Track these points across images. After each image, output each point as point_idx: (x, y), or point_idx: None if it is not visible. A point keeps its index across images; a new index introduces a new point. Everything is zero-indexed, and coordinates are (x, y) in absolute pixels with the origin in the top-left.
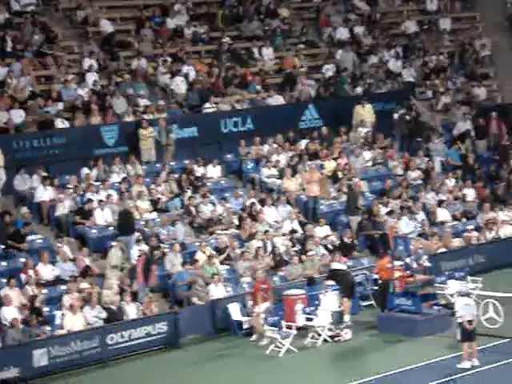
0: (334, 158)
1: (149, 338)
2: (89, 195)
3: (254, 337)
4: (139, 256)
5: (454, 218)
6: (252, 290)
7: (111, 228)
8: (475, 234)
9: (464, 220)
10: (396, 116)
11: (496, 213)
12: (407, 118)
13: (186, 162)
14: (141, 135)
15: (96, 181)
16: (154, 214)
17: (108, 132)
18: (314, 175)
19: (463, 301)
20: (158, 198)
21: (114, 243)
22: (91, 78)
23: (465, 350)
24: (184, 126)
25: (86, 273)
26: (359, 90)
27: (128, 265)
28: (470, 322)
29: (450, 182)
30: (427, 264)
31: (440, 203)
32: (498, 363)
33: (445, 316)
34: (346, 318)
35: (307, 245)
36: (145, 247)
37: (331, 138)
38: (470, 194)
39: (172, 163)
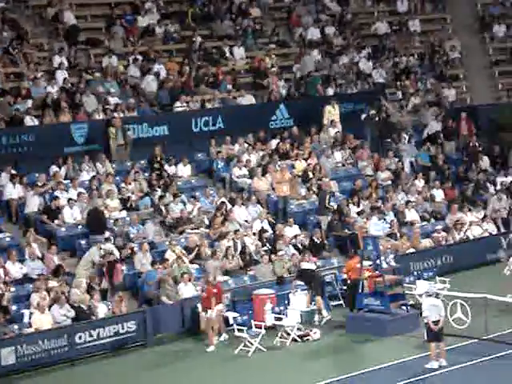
0: (304, 158)
1: (117, 337)
2: (57, 193)
3: (210, 348)
4: (105, 255)
5: (423, 218)
6: (204, 294)
7: (80, 227)
8: (443, 234)
9: (432, 221)
10: (363, 116)
11: (464, 214)
12: (376, 118)
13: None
14: (111, 133)
15: (65, 179)
16: (124, 213)
17: (78, 130)
18: (284, 175)
19: (430, 301)
20: (128, 197)
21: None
22: (61, 75)
23: (432, 350)
24: (154, 125)
25: (57, 271)
26: (330, 90)
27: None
28: (435, 322)
29: (420, 183)
30: (394, 264)
31: (409, 204)
32: (466, 364)
33: (413, 316)
34: (324, 312)
35: (277, 244)
36: (111, 246)
37: (302, 138)
38: (439, 194)
39: (142, 162)
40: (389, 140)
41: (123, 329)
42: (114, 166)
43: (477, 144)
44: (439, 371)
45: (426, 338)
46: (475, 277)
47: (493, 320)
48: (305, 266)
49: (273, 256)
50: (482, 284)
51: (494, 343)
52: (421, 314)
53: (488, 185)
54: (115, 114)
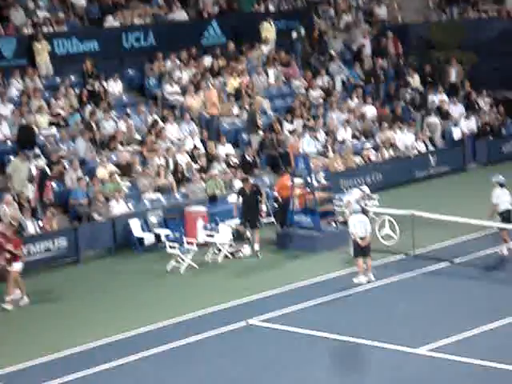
0: (236, 76)
1: (48, 254)
2: None
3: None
4: (36, 171)
5: (354, 136)
6: None
7: (10, 142)
8: (373, 152)
9: (363, 139)
10: (295, 34)
11: (394, 132)
12: (307, 36)
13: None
14: (35, 48)
15: None
16: (54, 129)
17: (6, 44)
18: (216, 93)
19: (357, 218)
20: (58, 113)
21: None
22: None
23: (360, 265)
24: (84, 40)
25: None
26: (263, 7)
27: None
28: (362, 238)
29: (351, 101)
30: (325, 182)
31: (340, 122)
32: (393, 279)
33: (342, 233)
34: (256, 246)
35: (209, 162)
36: (42, 162)
37: (234, 56)
38: (370, 112)
39: (72, 77)
40: (321, 58)
41: (54, 245)
42: (43, 81)
43: (407, 63)
44: (367, 286)
45: (352, 254)
46: (403, 194)
47: (420, 236)
48: (238, 184)
49: (204, 175)
50: (410, 201)
51: (421, 258)
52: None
53: (419, 103)
54: (44, 29)
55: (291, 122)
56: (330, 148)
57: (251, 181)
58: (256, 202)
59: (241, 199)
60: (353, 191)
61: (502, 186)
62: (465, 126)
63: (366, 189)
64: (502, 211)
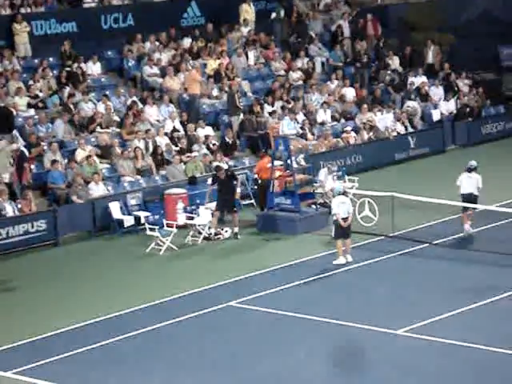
0: (216, 58)
1: (27, 236)
2: None
3: None
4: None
5: (333, 118)
6: None
7: None
8: (353, 134)
9: (343, 121)
10: (274, 15)
11: (374, 114)
12: (287, 18)
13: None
14: (15, 29)
15: None
16: (32, 111)
17: None
18: (196, 75)
19: (339, 199)
20: (36, 95)
21: None
22: None
23: (339, 246)
24: (63, 21)
25: None
26: None
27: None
28: (344, 219)
29: (331, 83)
30: (304, 164)
31: (320, 104)
32: (373, 260)
33: (322, 214)
34: (236, 229)
35: (189, 145)
36: (19, 144)
37: (214, 37)
38: (350, 94)
39: (50, 59)
40: (300, 40)
41: (33, 228)
42: (21, 62)
43: (387, 44)
44: (347, 267)
45: (333, 235)
46: (382, 176)
47: (399, 217)
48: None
49: (184, 157)
50: (390, 182)
51: (401, 240)
52: (330, 212)
53: (398, 85)
54: (22, 10)
55: (271, 104)
56: (308, 130)
57: (225, 166)
58: (232, 187)
59: (216, 186)
60: (320, 173)
61: (469, 170)
62: (444, 107)
63: (332, 166)
64: (463, 194)
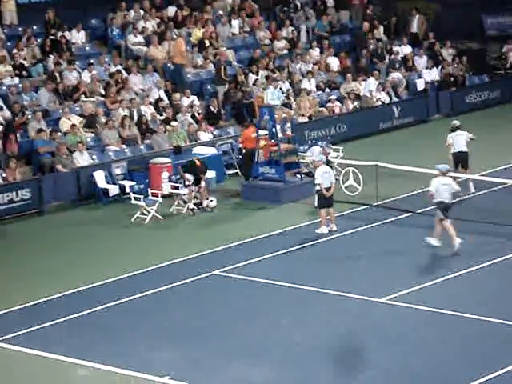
0: (201, 26)
1: (12, 205)
2: None
3: None
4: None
5: (318, 88)
6: None
7: None
8: (338, 104)
9: (327, 90)
10: None
11: (359, 83)
12: None
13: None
14: None
15: None
16: (16, 80)
17: None
18: (181, 45)
19: (322, 169)
20: (21, 63)
21: None
22: None
23: (322, 216)
24: None
25: None
26: None
27: None
28: (327, 188)
29: (316, 52)
30: (289, 133)
31: (305, 73)
32: (357, 229)
33: (307, 184)
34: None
35: (174, 114)
36: (7, 114)
37: (199, 5)
38: (334, 63)
39: (34, 27)
40: (285, 9)
41: (18, 196)
42: (5, 30)
43: (371, 13)
44: (331, 236)
45: (316, 204)
46: (367, 145)
47: (383, 187)
48: (203, 136)
49: (168, 127)
50: (375, 152)
51: (385, 209)
52: (314, 182)
53: (383, 54)
54: None
55: (256, 74)
56: (292, 99)
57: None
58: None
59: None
60: (313, 149)
61: (454, 130)
62: (427, 76)
63: (324, 143)
64: (454, 153)
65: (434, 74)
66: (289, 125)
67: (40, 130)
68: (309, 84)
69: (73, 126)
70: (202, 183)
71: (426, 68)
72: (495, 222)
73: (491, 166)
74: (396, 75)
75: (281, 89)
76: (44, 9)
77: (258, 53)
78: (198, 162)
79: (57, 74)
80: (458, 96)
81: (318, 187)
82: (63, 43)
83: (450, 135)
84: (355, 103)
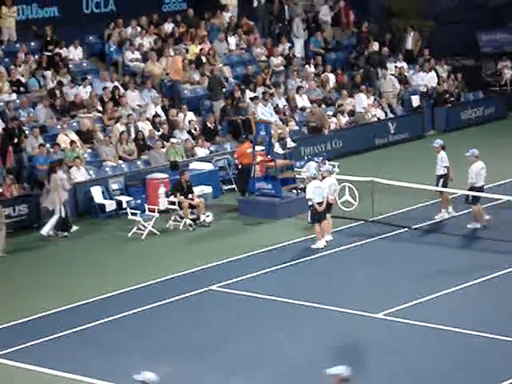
0: (198, 43)
1: (9, 220)
2: None
3: None
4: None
5: (318, 104)
6: None
7: None
8: (334, 120)
9: (323, 106)
10: (256, 2)
11: (353, 99)
12: (269, 3)
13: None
14: (2, 14)
15: None
16: (14, 96)
17: None
18: (179, 62)
19: (313, 184)
20: (18, 80)
21: None
22: None
23: (317, 231)
24: (44, 6)
25: None
26: None
27: None
28: (319, 203)
29: (311, 69)
30: (293, 144)
31: (300, 89)
32: (353, 244)
33: (303, 199)
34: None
35: (170, 130)
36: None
37: (196, 22)
38: (331, 80)
39: (32, 43)
40: (281, 26)
41: (15, 212)
42: (2, 47)
43: (366, 30)
44: (326, 251)
45: (310, 220)
46: (363, 161)
47: (379, 202)
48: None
49: (165, 143)
50: (370, 168)
51: (381, 224)
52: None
53: (378, 70)
54: None
55: (254, 90)
56: (288, 115)
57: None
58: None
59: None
60: (309, 165)
61: (443, 148)
62: (426, 82)
63: (320, 158)
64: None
65: (430, 79)
66: (289, 140)
67: (40, 146)
68: (301, 99)
69: (72, 142)
70: (195, 197)
71: (423, 71)
72: (493, 238)
73: (488, 182)
74: (391, 87)
75: (277, 105)
76: (41, 25)
77: (251, 68)
78: (181, 179)
79: (58, 91)
80: (454, 112)
81: (310, 202)
82: (61, 59)
83: (475, 167)
84: (346, 119)
